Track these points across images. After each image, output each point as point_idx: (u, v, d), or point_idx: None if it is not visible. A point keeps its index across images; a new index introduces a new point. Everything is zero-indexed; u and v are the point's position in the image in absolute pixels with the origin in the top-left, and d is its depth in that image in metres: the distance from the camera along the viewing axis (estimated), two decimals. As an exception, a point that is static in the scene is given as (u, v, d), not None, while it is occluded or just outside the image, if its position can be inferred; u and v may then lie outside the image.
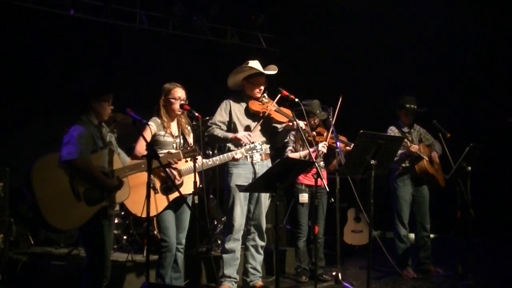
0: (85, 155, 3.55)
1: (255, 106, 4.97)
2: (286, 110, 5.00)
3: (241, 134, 4.86)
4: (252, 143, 4.69)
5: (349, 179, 5.75)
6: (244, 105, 5.03)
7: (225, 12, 8.77)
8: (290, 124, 4.99)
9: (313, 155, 4.92)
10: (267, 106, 4.95)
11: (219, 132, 4.95)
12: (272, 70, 5.00)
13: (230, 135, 4.90)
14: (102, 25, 7.69)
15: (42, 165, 3.49)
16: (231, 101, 5.05)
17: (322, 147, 5.37)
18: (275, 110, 4.97)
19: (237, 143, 4.82)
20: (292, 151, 5.55)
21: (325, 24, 9.12)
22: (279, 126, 5.16)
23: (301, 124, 4.93)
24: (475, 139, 5.66)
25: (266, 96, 5.01)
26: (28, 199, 3.44)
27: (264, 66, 5.01)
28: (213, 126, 4.98)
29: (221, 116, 5.01)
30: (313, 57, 9.23)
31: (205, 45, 8.70)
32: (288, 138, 5.60)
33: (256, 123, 4.95)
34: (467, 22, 8.25)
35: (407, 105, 5.96)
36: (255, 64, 4.97)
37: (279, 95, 4.85)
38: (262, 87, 4.99)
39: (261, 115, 4.94)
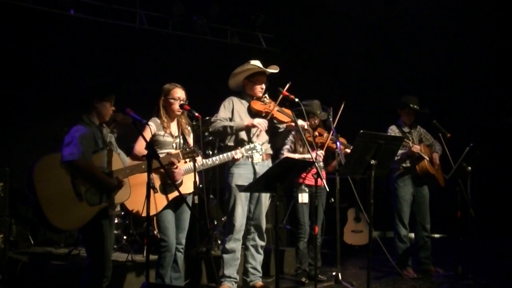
0: (87, 155, 3.55)
1: (257, 105, 4.96)
2: (287, 111, 5.00)
3: (257, 120, 4.84)
4: (252, 143, 4.70)
5: (349, 179, 5.74)
6: (246, 104, 5.03)
7: (225, 12, 8.76)
8: (292, 124, 4.99)
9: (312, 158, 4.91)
10: (269, 106, 4.94)
11: (230, 123, 4.91)
12: (273, 69, 5.01)
13: (245, 122, 4.87)
14: (102, 25, 7.68)
15: (44, 166, 3.48)
16: (233, 99, 5.04)
17: (319, 155, 5.34)
18: (277, 110, 4.97)
19: (240, 141, 4.83)
20: (289, 150, 5.54)
21: (325, 24, 9.13)
22: (281, 126, 5.16)
23: (304, 124, 4.94)
24: (475, 139, 5.66)
25: (268, 97, 5.01)
26: (30, 199, 3.44)
27: (265, 67, 5.01)
28: (218, 120, 4.95)
29: (224, 113, 4.99)
30: (313, 57, 9.24)
31: (205, 45, 8.69)
32: (287, 138, 5.59)
33: None
34: (467, 23, 8.27)
35: (411, 105, 5.95)
36: (256, 63, 4.97)
37: (281, 96, 4.85)
38: (264, 86, 4.99)
39: (263, 115, 4.93)
